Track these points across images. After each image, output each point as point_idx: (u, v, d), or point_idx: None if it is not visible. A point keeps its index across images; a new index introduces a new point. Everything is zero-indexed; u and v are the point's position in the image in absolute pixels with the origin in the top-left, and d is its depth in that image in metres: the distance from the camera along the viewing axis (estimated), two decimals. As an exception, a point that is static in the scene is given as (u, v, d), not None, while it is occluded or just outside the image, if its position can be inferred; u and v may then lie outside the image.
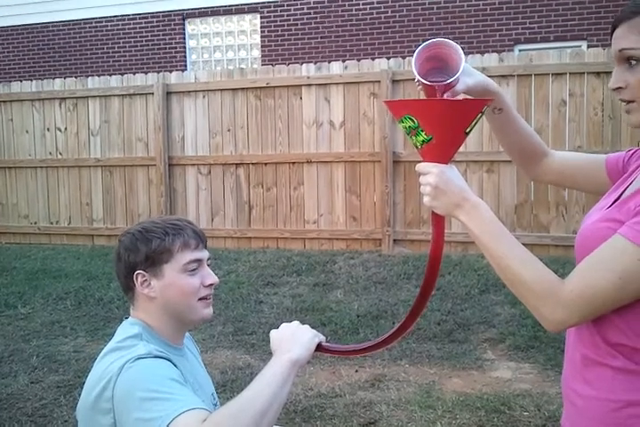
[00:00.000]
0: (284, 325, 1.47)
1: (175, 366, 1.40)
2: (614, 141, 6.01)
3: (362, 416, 3.47)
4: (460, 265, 5.78)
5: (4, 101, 8.00)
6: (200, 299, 1.54)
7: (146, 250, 1.50)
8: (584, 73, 6.06)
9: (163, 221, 1.57)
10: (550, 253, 5.93)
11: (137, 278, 1.51)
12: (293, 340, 1.38)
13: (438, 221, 1.32)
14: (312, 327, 1.47)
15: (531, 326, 4.50)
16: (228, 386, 3.84)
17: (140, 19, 10.90)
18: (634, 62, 1.15)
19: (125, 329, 1.51)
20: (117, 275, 1.57)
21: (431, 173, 1.23)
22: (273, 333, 1.44)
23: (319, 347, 1.43)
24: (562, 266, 4.57)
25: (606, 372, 1.17)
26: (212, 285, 1.56)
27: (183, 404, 1.23)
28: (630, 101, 1.19)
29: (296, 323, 1.47)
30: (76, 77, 8.18)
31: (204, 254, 1.57)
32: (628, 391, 1.14)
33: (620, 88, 1.19)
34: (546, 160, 1.56)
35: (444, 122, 1.20)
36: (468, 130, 1.22)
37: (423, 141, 1.22)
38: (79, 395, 1.41)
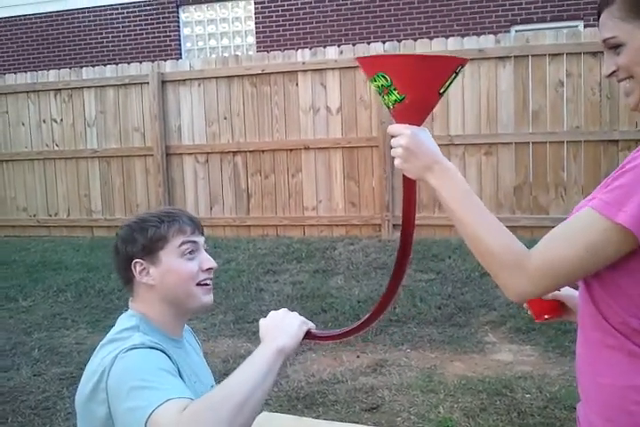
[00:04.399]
0: (272, 313, 1.45)
1: (170, 357, 1.38)
2: (612, 121, 5.97)
3: (364, 402, 3.47)
4: (460, 249, 5.76)
5: (-2, 94, 7.96)
6: (199, 284, 1.52)
7: (142, 239, 1.50)
8: (581, 53, 6.01)
9: (158, 211, 1.58)
10: (550, 234, 5.89)
11: (135, 267, 1.50)
12: (280, 328, 1.36)
13: (410, 185, 1.29)
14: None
15: (531, 308, 4.50)
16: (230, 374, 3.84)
17: (133, 7, 10.81)
18: (617, 48, 1.18)
19: (123, 321, 1.50)
20: (117, 268, 1.56)
21: (403, 135, 1.21)
22: (261, 321, 1.42)
23: (309, 334, 1.40)
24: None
25: (615, 357, 1.15)
26: (210, 269, 1.54)
27: (167, 393, 1.22)
28: (628, 77, 1.20)
29: (284, 310, 1.44)
30: (70, 68, 8.12)
31: (200, 239, 1.56)
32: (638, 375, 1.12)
33: (614, 72, 1.21)
34: None
35: (417, 79, 1.16)
36: (442, 90, 1.19)
37: (395, 101, 1.19)
38: (82, 387, 1.41)
